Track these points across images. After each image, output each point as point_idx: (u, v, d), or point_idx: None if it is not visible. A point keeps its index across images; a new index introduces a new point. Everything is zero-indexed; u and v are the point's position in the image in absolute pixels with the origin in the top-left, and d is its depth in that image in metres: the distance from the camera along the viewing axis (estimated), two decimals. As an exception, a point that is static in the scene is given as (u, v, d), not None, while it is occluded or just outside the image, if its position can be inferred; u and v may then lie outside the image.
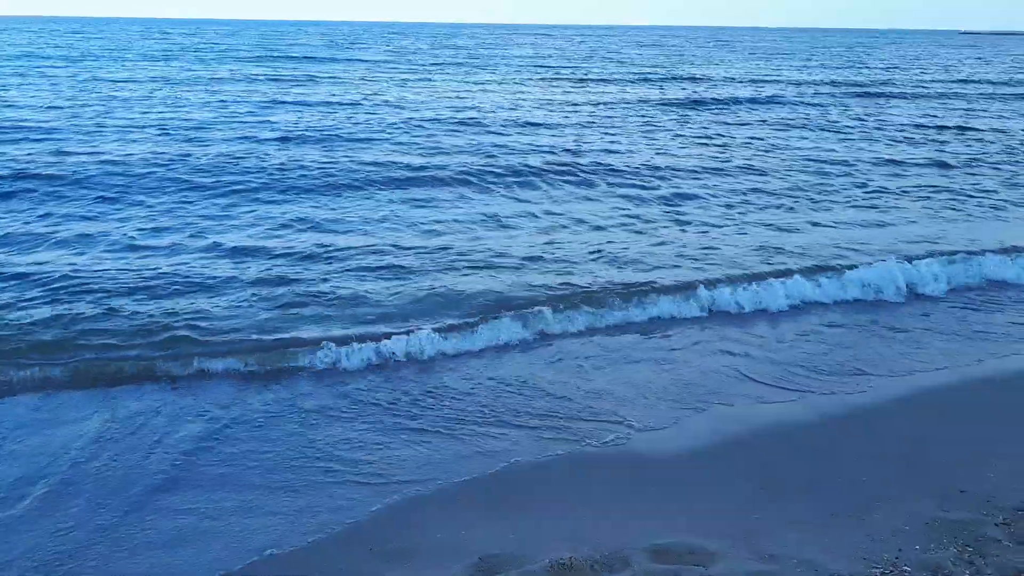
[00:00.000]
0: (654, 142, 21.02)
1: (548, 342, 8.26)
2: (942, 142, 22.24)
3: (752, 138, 22.16)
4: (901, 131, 24.00)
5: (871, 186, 16.32)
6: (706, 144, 21.06)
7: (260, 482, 5.61)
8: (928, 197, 15.53)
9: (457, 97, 30.25)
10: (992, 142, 22.36)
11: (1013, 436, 6.36)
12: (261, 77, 36.33)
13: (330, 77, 37.71)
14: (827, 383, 7.33)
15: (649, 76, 42.61)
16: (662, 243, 11.85)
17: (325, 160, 17.05)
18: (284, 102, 26.97)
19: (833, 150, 20.43)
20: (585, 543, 4.86)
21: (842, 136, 22.85)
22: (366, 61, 50.97)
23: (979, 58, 73.38)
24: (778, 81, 40.81)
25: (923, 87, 39.02)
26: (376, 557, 4.84)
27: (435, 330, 8.08)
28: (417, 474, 5.75)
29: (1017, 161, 19.51)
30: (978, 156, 20.07)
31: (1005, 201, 15.33)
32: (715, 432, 6.44)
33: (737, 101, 30.83)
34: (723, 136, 22.43)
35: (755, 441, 6.31)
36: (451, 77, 40.05)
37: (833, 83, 39.81)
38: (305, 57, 52.26)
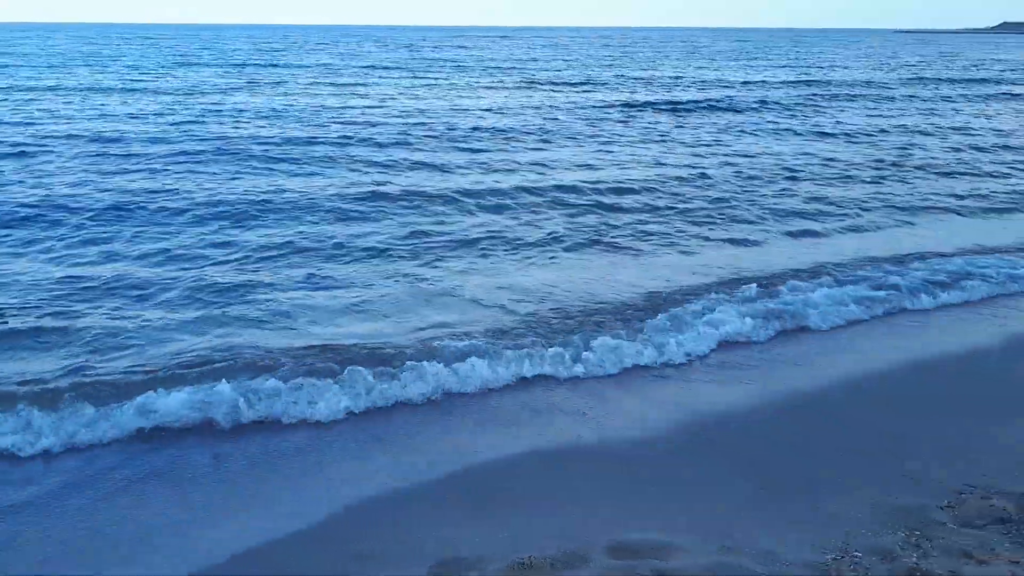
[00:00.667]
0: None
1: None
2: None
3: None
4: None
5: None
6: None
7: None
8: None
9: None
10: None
11: (954, 421, 6.57)
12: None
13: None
14: (775, 372, 7.51)
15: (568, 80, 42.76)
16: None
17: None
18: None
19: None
20: (545, 541, 4.89)
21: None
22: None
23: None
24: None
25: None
26: (335, 559, 4.80)
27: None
28: (375, 475, 5.73)
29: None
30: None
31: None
32: (672, 424, 6.54)
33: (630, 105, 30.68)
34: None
35: (711, 432, 6.43)
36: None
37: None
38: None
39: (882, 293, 9.52)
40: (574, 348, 7.71)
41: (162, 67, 45.87)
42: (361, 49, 77.85)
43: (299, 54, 65.38)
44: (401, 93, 33.66)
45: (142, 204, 13.23)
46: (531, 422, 6.58)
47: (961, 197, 15.81)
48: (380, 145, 20.02)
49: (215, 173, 16.09)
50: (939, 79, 46.86)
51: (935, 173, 18.29)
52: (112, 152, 18.03)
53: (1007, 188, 16.87)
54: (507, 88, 37.35)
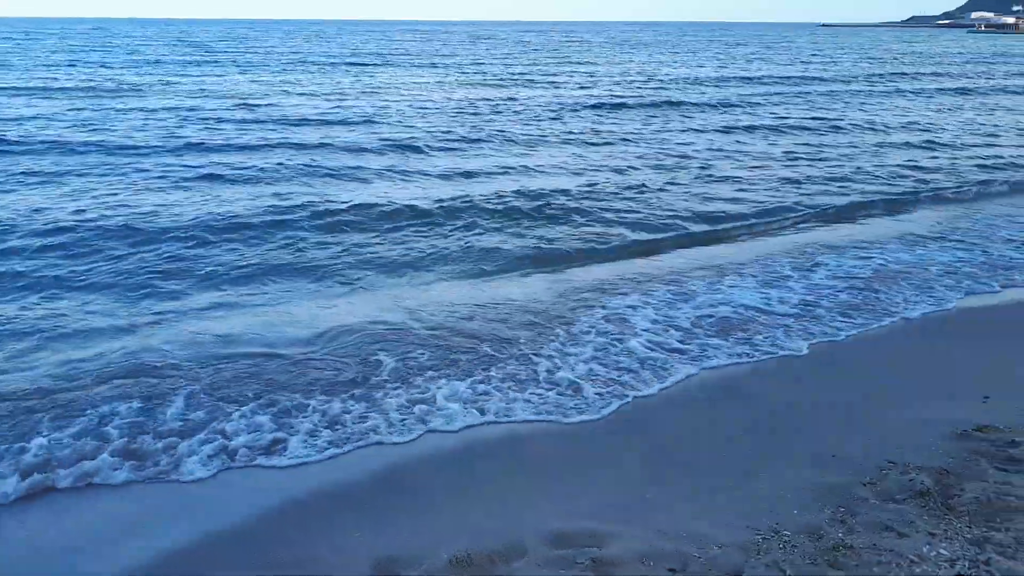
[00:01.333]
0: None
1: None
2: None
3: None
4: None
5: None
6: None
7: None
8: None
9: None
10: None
11: (876, 400, 6.82)
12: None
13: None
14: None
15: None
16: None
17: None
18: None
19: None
20: (484, 535, 4.90)
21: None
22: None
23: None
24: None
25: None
26: (263, 566, 4.72)
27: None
28: (305, 477, 5.67)
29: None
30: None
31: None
32: (604, 415, 6.63)
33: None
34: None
35: (642, 419, 6.54)
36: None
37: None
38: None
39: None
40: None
41: None
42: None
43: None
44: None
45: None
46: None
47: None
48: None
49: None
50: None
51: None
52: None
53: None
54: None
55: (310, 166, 16.92)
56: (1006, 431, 6.03)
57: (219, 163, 16.99)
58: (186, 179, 15.41)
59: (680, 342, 8.14)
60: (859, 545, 4.62)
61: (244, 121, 23.22)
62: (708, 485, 5.52)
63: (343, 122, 23.55)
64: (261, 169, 16.50)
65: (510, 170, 17.28)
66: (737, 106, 30.25)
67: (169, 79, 36.09)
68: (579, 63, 54.95)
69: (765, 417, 6.59)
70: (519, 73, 44.77)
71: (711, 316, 8.83)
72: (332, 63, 50.66)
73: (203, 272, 10.12)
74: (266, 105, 27.11)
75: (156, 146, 18.73)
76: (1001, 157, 19.89)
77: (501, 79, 40.46)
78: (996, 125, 26.29)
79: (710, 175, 17.06)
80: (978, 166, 18.66)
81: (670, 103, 30.35)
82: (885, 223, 13.59)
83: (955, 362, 7.71)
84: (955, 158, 19.85)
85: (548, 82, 39.23)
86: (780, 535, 4.81)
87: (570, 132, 22.99)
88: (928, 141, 22.32)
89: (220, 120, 23.25)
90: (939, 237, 12.35)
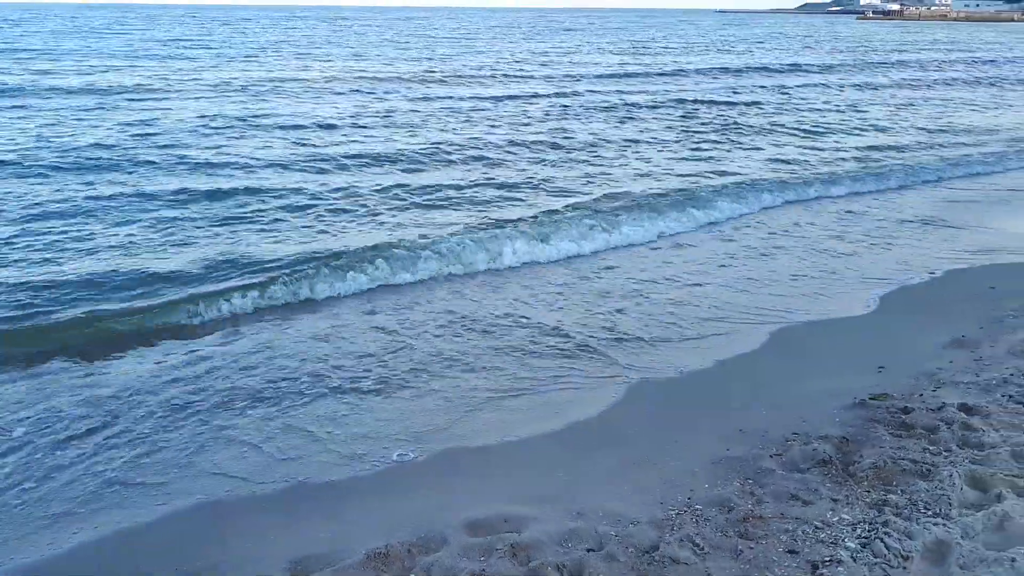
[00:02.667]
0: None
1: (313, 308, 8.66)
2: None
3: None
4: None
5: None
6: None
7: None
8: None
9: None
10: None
11: (778, 374, 7.07)
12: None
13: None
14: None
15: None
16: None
17: None
18: None
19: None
20: (400, 529, 4.85)
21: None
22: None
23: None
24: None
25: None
26: (173, 570, 4.55)
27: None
28: (210, 481, 5.48)
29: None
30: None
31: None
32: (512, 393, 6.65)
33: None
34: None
35: (551, 398, 6.59)
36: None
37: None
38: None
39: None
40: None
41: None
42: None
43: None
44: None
45: None
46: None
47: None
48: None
49: None
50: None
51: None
52: None
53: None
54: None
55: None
56: (899, 398, 6.35)
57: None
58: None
59: (592, 325, 8.23)
60: (767, 515, 4.78)
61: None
62: (622, 463, 5.61)
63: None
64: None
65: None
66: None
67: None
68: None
69: (673, 395, 6.73)
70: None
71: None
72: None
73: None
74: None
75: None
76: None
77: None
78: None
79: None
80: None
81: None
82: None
83: (850, 333, 8.06)
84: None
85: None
86: (692, 509, 4.93)
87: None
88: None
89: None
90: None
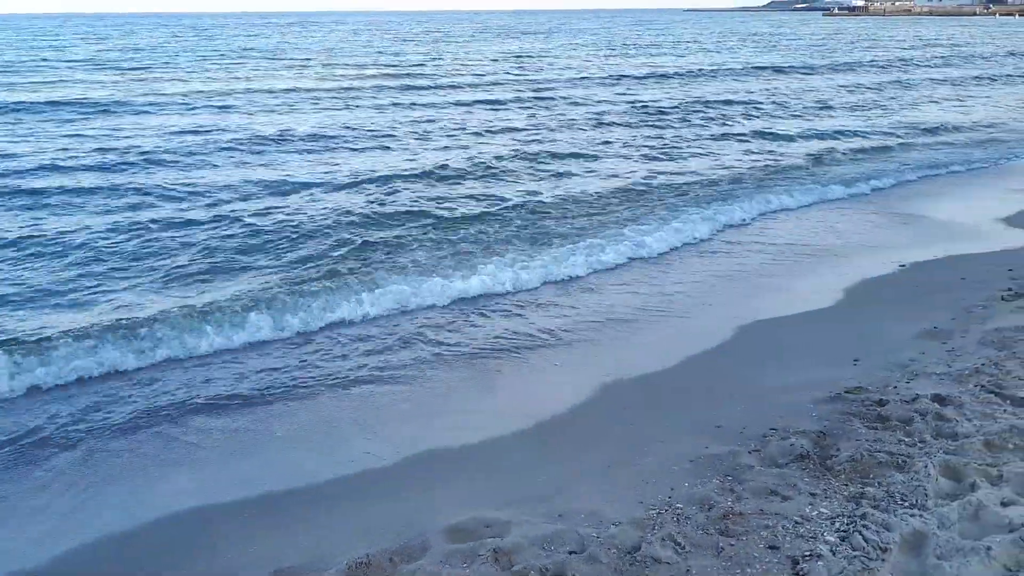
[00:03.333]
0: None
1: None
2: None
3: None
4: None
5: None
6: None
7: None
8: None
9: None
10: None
11: (754, 372, 7.12)
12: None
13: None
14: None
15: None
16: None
17: None
18: None
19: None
20: (381, 536, 4.82)
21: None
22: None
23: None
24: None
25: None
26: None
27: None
28: (194, 490, 5.43)
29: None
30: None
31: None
32: (487, 395, 6.72)
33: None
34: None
35: (528, 402, 6.61)
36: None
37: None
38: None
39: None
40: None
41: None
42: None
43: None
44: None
45: None
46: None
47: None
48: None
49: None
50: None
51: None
52: None
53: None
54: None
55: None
56: (874, 391, 6.41)
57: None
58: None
59: (569, 326, 8.25)
60: (747, 511, 4.80)
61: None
62: (601, 464, 5.61)
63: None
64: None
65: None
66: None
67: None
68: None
69: (650, 393, 6.76)
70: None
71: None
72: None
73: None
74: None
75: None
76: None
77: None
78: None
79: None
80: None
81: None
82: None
83: (824, 327, 8.14)
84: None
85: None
86: (673, 508, 4.94)
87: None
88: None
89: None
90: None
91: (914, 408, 5.96)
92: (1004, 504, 4.57)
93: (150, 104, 24.93)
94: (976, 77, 37.80)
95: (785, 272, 10.05)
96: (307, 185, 14.56)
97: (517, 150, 18.17)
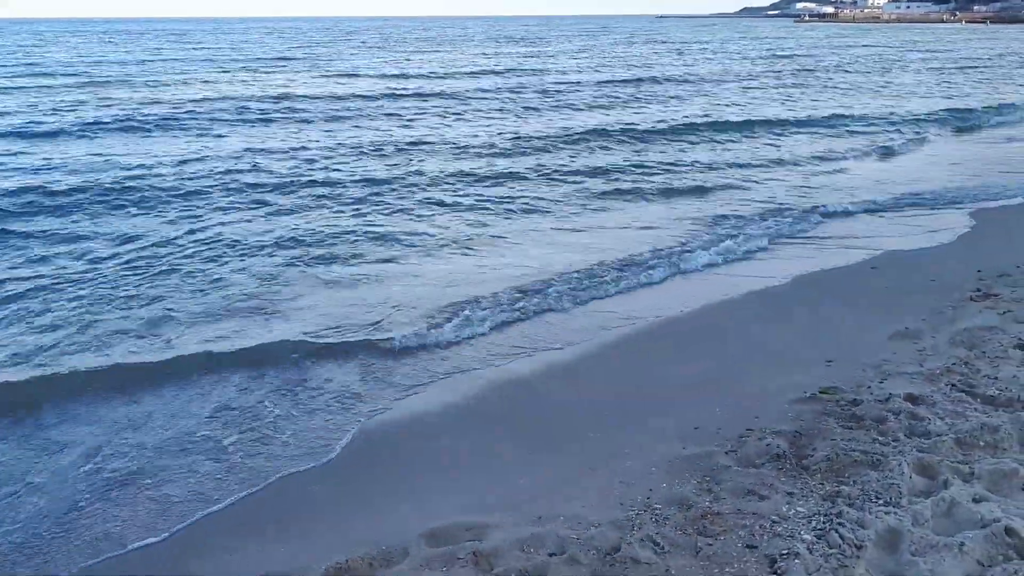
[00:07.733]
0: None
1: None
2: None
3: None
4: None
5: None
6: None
7: None
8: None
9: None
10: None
11: (730, 371, 7.17)
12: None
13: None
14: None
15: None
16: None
17: None
18: None
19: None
20: (360, 542, 4.79)
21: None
22: None
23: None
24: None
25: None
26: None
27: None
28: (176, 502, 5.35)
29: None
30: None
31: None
32: (466, 400, 6.72)
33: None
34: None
35: (507, 406, 6.63)
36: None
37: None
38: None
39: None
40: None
41: None
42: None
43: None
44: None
45: None
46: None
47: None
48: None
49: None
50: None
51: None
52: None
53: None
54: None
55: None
56: (848, 391, 6.48)
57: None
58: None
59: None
60: (725, 511, 4.83)
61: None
62: (580, 466, 5.63)
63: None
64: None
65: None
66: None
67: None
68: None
69: (627, 394, 6.79)
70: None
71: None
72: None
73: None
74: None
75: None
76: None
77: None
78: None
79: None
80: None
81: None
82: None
83: (799, 329, 8.22)
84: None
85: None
86: (652, 509, 4.96)
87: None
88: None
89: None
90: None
91: (887, 407, 6.04)
92: (976, 500, 4.64)
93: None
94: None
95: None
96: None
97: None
